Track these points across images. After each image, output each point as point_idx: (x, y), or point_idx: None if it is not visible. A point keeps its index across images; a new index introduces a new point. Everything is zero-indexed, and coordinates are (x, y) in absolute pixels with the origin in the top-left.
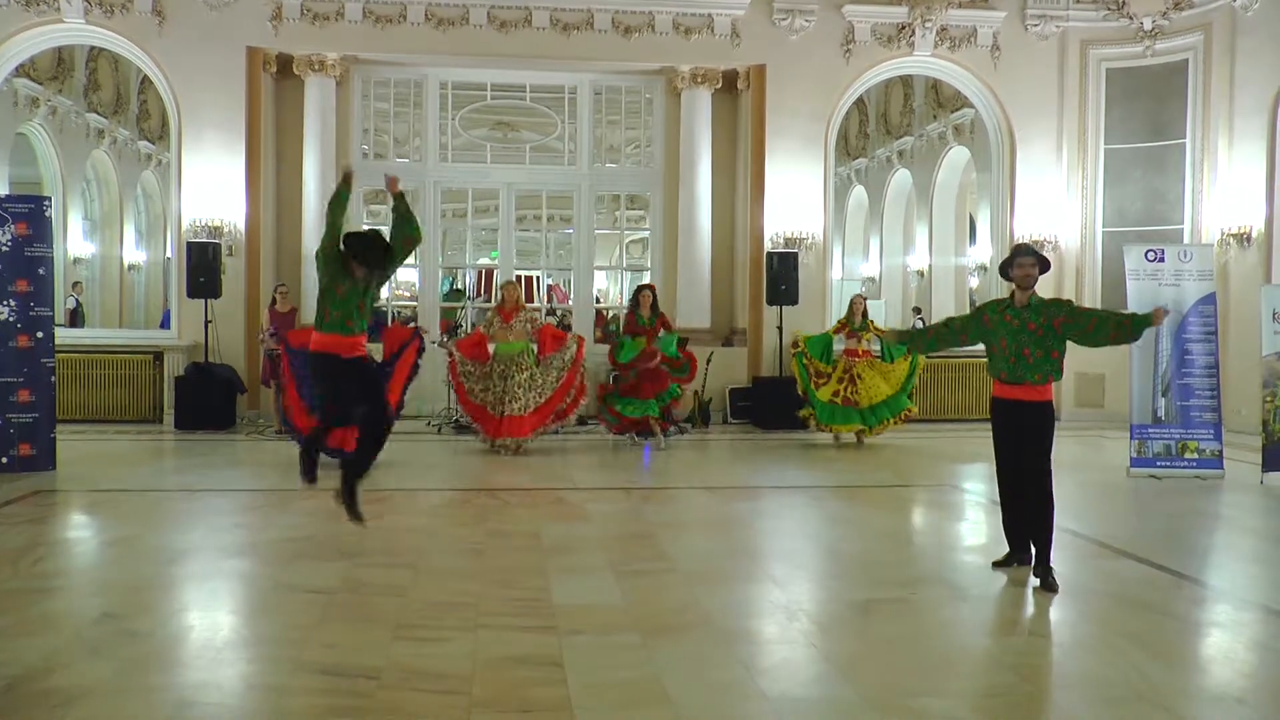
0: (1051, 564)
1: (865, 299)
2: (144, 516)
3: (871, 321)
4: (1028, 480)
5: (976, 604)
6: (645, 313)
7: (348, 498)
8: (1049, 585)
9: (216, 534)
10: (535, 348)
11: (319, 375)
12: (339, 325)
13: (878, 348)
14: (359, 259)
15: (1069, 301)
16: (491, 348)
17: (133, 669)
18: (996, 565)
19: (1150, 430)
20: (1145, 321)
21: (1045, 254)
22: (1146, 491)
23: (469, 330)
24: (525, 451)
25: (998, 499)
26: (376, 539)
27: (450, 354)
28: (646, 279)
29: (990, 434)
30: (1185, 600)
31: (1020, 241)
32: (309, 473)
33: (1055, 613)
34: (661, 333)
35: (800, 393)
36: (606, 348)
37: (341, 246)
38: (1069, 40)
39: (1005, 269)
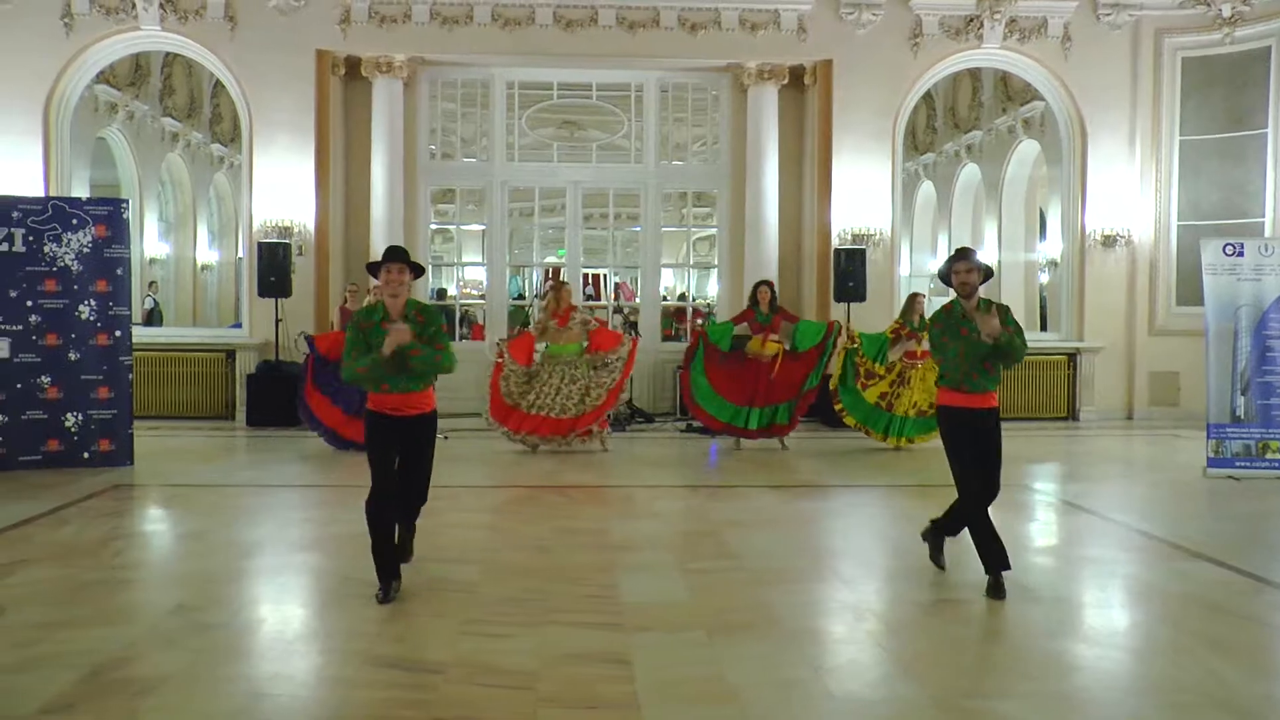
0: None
1: (924, 297)
2: (217, 511)
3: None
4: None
5: (1047, 605)
6: (764, 309)
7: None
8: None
9: (287, 528)
10: (586, 346)
11: (372, 430)
12: (378, 389)
13: None
14: (388, 258)
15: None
16: (541, 347)
17: (207, 660)
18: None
19: (1228, 429)
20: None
21: (1119, 248)
22: (1224, 492)
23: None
24: (567, 450)
25: (972, 505)
26: (444, 535)
27: (500, 354)
28: (714, 277)
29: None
30: (1265, 605)
31: (961, 245)
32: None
33: (1128, 615)
34: (783, 325)
35: (831, 387)
36: (675, 345)
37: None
38: (1143, 29)
39: (946, 277)
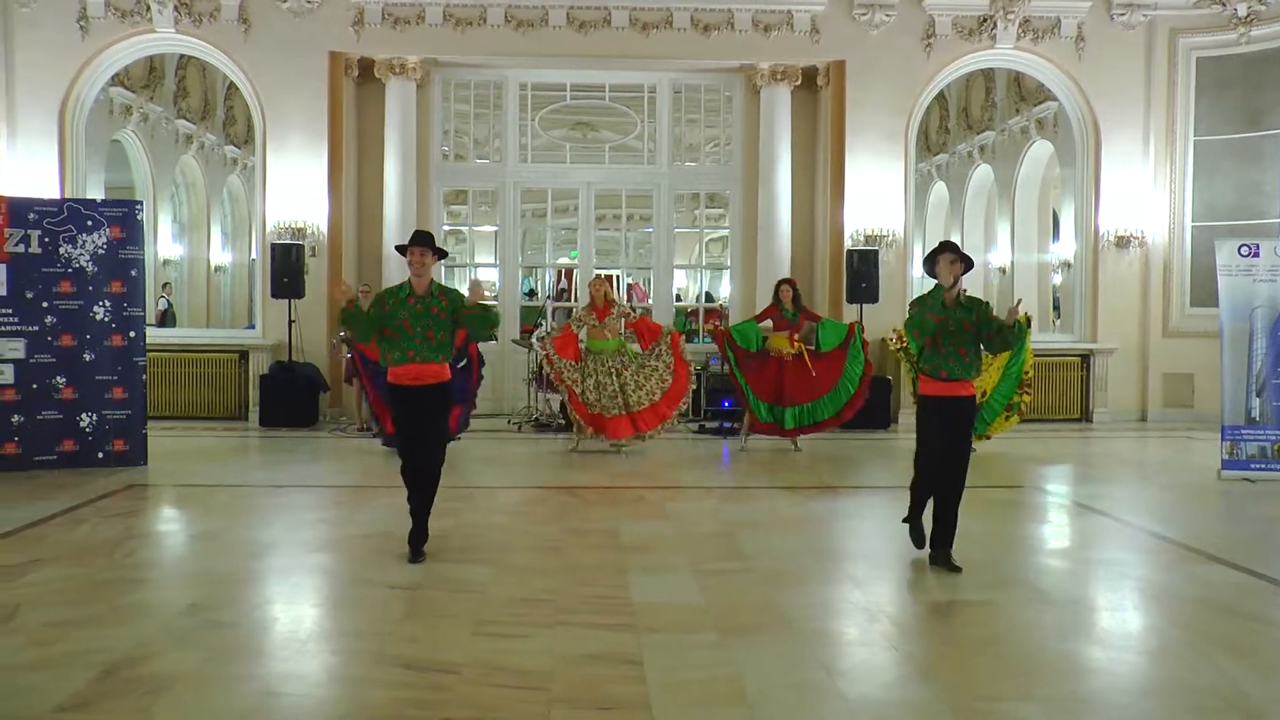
0: (951, 551)
1: None
2: (230, 511)
3: None
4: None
5: (1060, 608)
6: (789, 306)
7: (414, 551)
8: (950, 566)
9: (300, 529)
10: (635, 344)
11: (394, 403)
12: (403, 358)
13: None
14: (414, 242)
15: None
16: (583, 345)
17: (219, 659)
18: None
19: (1244, 431)
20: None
21: (1133, 249)
22: (1239, 495)
23: (551, 329)
24: (625, 452)
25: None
26: (457, 536)
27: (547, 355)
28: (726, 278)
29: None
30: (1279, 607)
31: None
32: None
33: (1141, 618)
34: (806, 324)
35: (913, 391)
36: (689, 346)
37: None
38: (1157, 29)
39: (930, 268)
